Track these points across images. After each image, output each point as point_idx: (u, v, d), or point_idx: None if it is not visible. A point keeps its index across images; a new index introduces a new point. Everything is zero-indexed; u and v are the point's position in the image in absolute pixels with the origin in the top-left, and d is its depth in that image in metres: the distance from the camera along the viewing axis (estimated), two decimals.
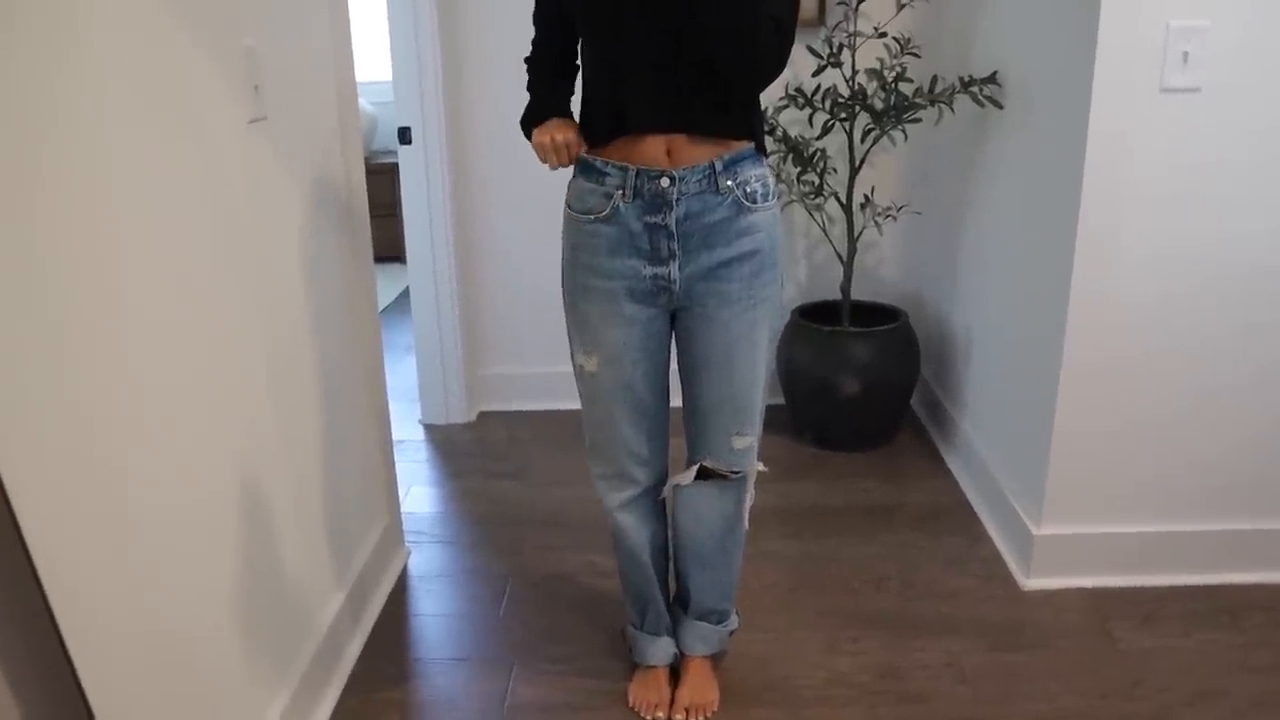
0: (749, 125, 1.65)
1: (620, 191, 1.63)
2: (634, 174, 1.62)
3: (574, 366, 1.80)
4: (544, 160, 1.67)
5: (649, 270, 1.67)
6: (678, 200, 1.61)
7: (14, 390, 1.09)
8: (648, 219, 1.63)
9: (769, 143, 2.90)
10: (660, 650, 1.99)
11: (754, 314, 1.69)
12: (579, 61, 1.73)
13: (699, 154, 1.61)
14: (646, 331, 1.72)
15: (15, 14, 1.09)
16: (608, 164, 1.64)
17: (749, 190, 1.64)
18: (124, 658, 1.30)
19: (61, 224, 1.17)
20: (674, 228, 1.63)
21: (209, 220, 1.53)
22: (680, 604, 2.00)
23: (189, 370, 1.46)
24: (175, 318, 1.43)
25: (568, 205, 1.72)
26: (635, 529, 1.88)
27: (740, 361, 1.70)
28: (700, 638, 1.98)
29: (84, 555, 1.21)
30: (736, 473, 1.79)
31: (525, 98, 1.74)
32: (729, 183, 1.62)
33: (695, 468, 1.79)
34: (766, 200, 1.67)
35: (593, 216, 1.67)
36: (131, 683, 1.31)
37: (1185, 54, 1.96)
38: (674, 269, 1.66)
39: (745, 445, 1.77)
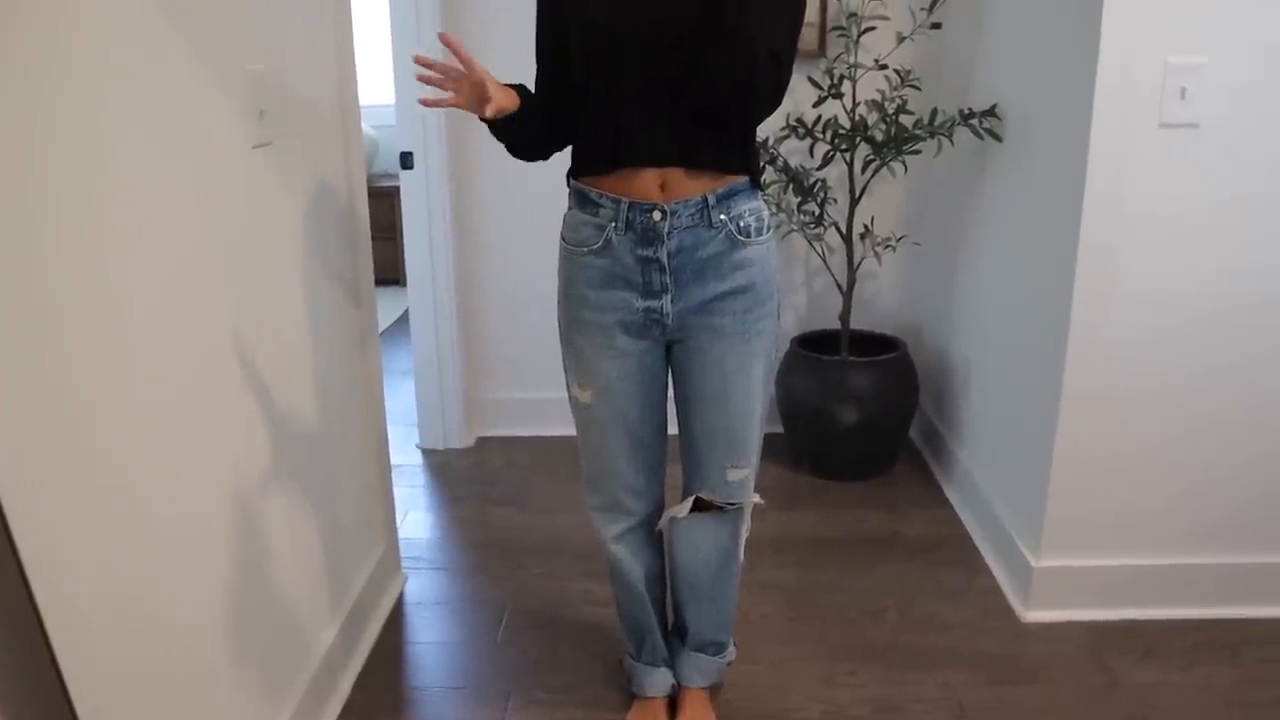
0: (744, 159, 1.65)
1: (613, 224, 1.63)
2: (626, 206, 1.62)
3: (569, 398, 1.80)
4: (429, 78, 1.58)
5: (641, 304, 1.66)
6: (669, 234, 1.61)
7: (14, 409, 1.09)
8: (640, 252, 1.63)
9: (770, 173, 2.92)
10: (658, 681, 1.98)
11: (748, 348, 1.68)
12: (572, 97, 1.66)
13: (692, 187, 1.61)
14: (640, 365, 1.72)
15: (30, 39, 1.10)
16: (602, 195, 1.64)
17: (742, 225, 1.64)
18: (115, 682, 1.29)
19: (65, 244, 1.18)
20: (666, 261, 1.63)
21: (211, 243, 1.53)
22: (678, 635, 1.99)
23: (186, 390, 1.46)
24: (174, 339, 1.43)
25: (562, 238, 1.73)
26: (631, 560, 1.88)
27: (734, 395, 1.70)
28: (698, 669, 1.97)
29: (77, 576, 1.21)
30: (732, 505, 1.79)
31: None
32: (722, 217, 1.62)
33: (691, 500, 1.79)
34: (761, 234, 1.67)
35: (586, 249, 1.67)
36: (121, 708, 1.30)
37: (1183, 90, 1.98)
38: (666, 303, 1.66)
39: (740, 478, 1.77)
